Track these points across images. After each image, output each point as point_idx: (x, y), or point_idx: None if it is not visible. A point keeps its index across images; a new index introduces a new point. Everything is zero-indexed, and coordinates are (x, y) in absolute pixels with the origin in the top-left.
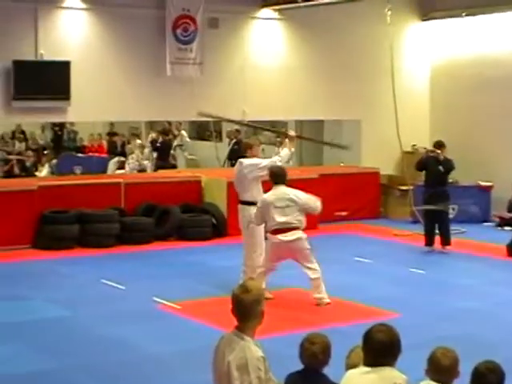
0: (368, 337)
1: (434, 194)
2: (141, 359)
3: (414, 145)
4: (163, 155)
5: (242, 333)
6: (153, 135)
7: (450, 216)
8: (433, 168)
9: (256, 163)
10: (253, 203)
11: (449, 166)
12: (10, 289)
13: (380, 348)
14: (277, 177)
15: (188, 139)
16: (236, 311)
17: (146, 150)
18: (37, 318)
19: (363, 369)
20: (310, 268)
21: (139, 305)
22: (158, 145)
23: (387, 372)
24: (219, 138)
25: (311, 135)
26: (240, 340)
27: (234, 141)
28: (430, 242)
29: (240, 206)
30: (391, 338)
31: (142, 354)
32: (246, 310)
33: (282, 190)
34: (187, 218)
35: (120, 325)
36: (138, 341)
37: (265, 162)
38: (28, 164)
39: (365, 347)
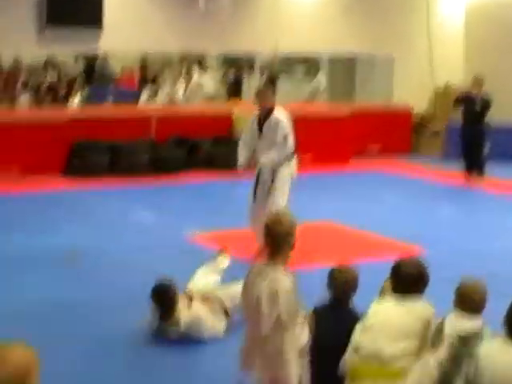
0: (396, 269)
1: (470, 132)
2: None
3: (448, 83)
4: (235, 89)
5: (273, 263)
6: (226, 70)
7: (484, 154)
8: (469, 106)
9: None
10: None
11: (485, 104)
12: (41, 217)
13: (408, 280)
14: None
15: None
16: (268, 241)
17: (178, 83)
18: (67, 247)
19: (390, 300)
20: None
21: (169, 236)
22: (231, 78)
23: (414, 304)
24: (251, 71)
25: (344, 74)
26: (271, 270)
27: (267, 74)
28: (466, 173)
29: None
30: (419, 270)
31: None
32: (278, 240)
33: None
34: (218, 150)
35: (149, 255)
36: (167, 271)
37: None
38: (60, 95)
39: (393, 279)
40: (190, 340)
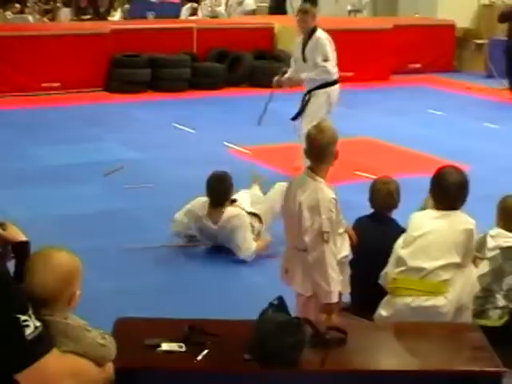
0: (439, 178)
1: None
2: None
3: None
4: (278, 4)
5: (315, 174)
6: None
7: None
8: None
9: None
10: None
11: None
12: (83, 130)
13: (451, 189)
14: None
15: None
16: (310, 152)
17: None
18: (108, 160)
19: (432, 213)
20: None
21: (210, 149)
22: None
23: (456, 217)
24: None
25: None
26: (312, 181)
27: None
28: (511, 88)
29: None
30: (462, 180)
31: None
32: (321, 151)
33: None
34: (259, 64)
35: (190, 168)
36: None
37: None
38: (101, 9)
39: (435, 189)
40: (220, 253)
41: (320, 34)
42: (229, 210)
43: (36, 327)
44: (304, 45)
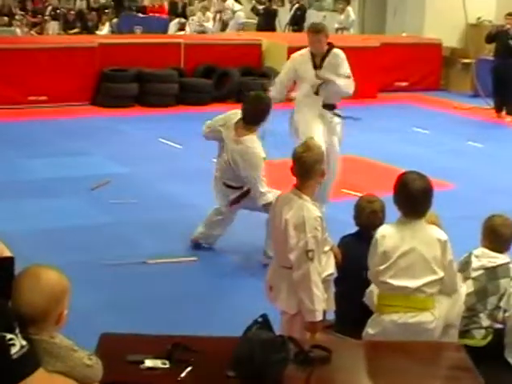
0: (404, 185)
1: (502, 66)
2: (195, 217)
3: (480, 17)
4: (266, 21)
5: (301, 192)
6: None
7: None
8: (502, 41)
9: None
10: None
11: None
12: (69, 144)
13: (418, 196)
14: None
15: None
16: (297, 169)
17: (208, 13)
18: (95, 174)
19: (402, 227)
20: None
21: (196, 165)
22: (261, 11)
23: (426, 229)
24: (281, 2)
25: (374, 5)
26: (298, 199)
27: (297, 6)
28: (497, 108)
29: None
30: (427, 185)
31: (197, 212)
32: (307, 168)
33: None
34: (246, 80)
35: (176, 183)
36: (194, 199)
37: None
38: (89, 23)
39: (400, 197)
40: (205, 269)
41: (339, 50)
42: (251, 138)
43: (22, 346)
44: (319, 62)
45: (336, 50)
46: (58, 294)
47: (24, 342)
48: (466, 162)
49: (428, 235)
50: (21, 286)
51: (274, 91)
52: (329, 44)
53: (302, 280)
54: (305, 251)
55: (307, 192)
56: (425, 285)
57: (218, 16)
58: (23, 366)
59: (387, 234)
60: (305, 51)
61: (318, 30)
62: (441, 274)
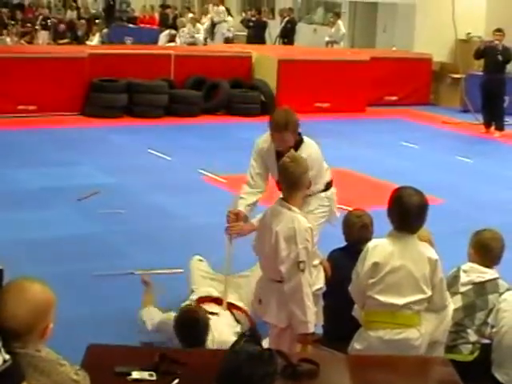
0: (399, 199)
1: (491, 82)
2: (184, 228)
3: (469, 33)
4: (256, 33)
5: (289, 203)
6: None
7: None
8: (491, 56)
9: None
10: None
11: (507, 54)
12: (58, 154)
13: (413, 211)
14: None
15: None
16: (284, 181)
17: (198, 25)
18: (84, 184)
19: (394, 242)
20: None
21: (185, 176)
22: (251, 23)
23: (418, 246)
24: (272, 15)
25: (365, 19)
26: (287, 210)
27: (287, 19)
28: (486, 123)
29: None
30: (423, 201)
31: (185, 224)
32: (295, 180)
33: None
34: (236, 93)
35: (165, 194)
36: (182, 211)
37: None
38: (79, 33)
39: (394, 210)
40: None
41: (309, 147)
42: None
43: (5, 360)
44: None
45: (306, 149)
46: (42, 308)
47: (7, 356)
48: (455, 176)
49: (419, 253)
50: (5, 298)
51: (251, 187)
52: (299, 135)
53: (294, 292)
54: (296, 262)
55: (295, 203)
56: (412, 302)
57: (209, 23)
58: (6, 380)
59: (379, 245)
60: (269, 139)
61: (280, 128)
62: (429, 292)
